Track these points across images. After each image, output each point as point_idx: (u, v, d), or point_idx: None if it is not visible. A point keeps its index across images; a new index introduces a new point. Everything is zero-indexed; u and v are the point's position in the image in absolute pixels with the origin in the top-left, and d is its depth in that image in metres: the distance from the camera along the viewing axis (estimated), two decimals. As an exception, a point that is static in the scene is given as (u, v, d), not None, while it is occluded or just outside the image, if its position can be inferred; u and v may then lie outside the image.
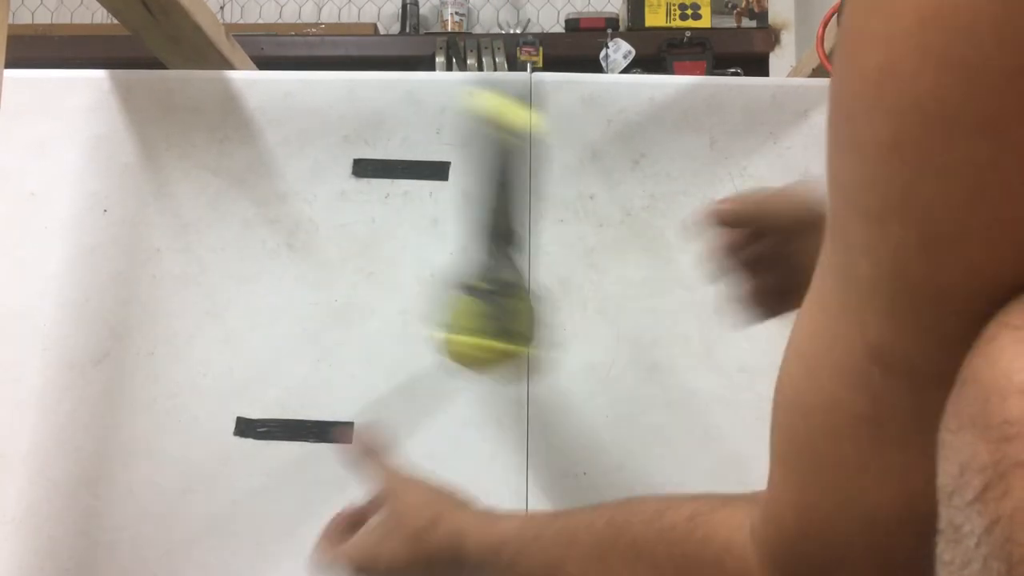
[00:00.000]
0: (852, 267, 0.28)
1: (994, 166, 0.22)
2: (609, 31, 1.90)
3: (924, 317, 0.26)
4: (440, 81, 0.81)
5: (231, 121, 0.79)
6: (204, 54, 0.86)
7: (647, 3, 1.92)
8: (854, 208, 0.27)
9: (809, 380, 0.31)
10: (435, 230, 0.78)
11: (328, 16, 2.16)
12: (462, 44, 1.89)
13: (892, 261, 0.26)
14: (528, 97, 0.80)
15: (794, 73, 0.99)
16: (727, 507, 0.40)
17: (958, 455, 0.23)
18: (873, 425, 0.28)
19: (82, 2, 2.13)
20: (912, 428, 0.27)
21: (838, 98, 0.27)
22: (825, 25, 0.82)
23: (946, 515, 0.23)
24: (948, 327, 0.25)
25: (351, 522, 0.60)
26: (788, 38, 1.92)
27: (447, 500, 0.56)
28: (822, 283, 0.30)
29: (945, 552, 0.23)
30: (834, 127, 0.28)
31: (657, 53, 1.86)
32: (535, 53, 1.87)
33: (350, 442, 0.63)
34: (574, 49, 1.92)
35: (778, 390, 0.33)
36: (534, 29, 2.05)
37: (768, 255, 0.56)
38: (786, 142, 0.79)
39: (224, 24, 0.89)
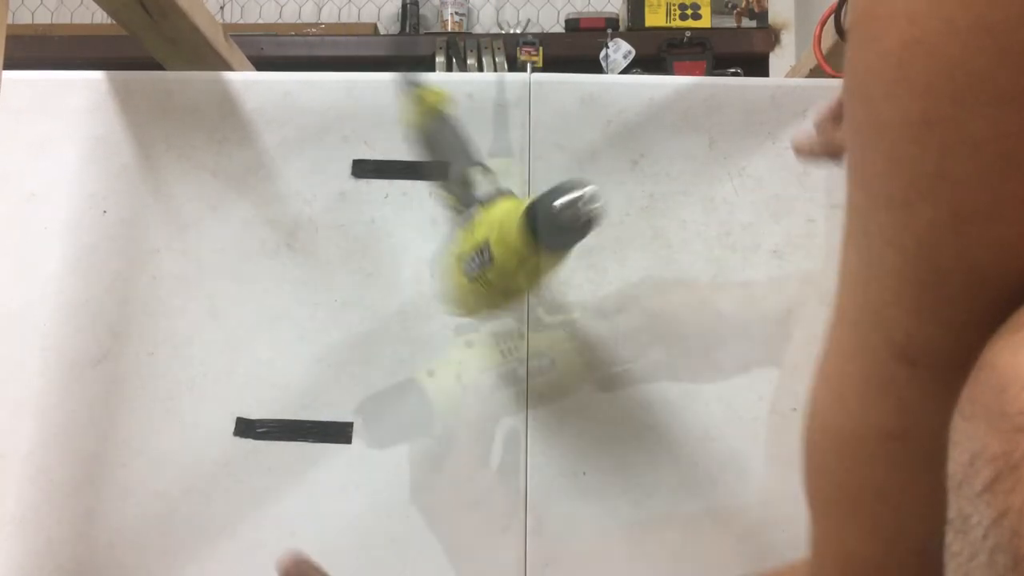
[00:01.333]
0: (874, 262, 0.27)
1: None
2: (609, 31, 1.90)
3: (955, 302, 0.25)
4: (440, 81, 0.81)
5: (230, 122, 0.79)
6: (202, 55, 0.86)
7: (647, 3, 1.92)
8: (876, 196, 0.26)
9: (836, 404, 0.30)
10: (435, 230, 0.78)
11: (328, 16, 2.16)
12: (462, 44, 1.89)
13: (920, 244, 0.25)
14: (528, 97, 0.80)
15: (792, 73, 0.99)
16: None
17: (970, 443, 0.22)
18: (904, 441, 0.28)
19: (82, 2, 2.13)
20: (942, 436, 0.26)
21: (856, 85, 0.27)
22: (822, 25, 0.82)
23: (955, 504, 0.23)
24: (979, 312, 0.24)
25: None
26: (788, 38, 1.92)
27: None
28: (840, 298, 0.30)
29: (954, 542, 0.23)
30: (853, 116, 0.27)
31: (657, 53, 1.87)
32: (535, 53, 1.87)
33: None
34: (574, 49, 1.92)
35: (807, 429, 0.32)
36: (534, 29, 2.05)
37: None
38: (786, 142, 0.79)
39: (224, 24, 0.89)
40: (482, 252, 0.55)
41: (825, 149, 0.54)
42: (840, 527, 0.31)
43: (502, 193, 0.59)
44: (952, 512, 0.23)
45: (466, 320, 0.62)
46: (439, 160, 0.62)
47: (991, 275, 0.24)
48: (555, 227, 0.52)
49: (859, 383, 0.29)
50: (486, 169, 0.61)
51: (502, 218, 0.55)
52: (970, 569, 0.22)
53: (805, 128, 0.55)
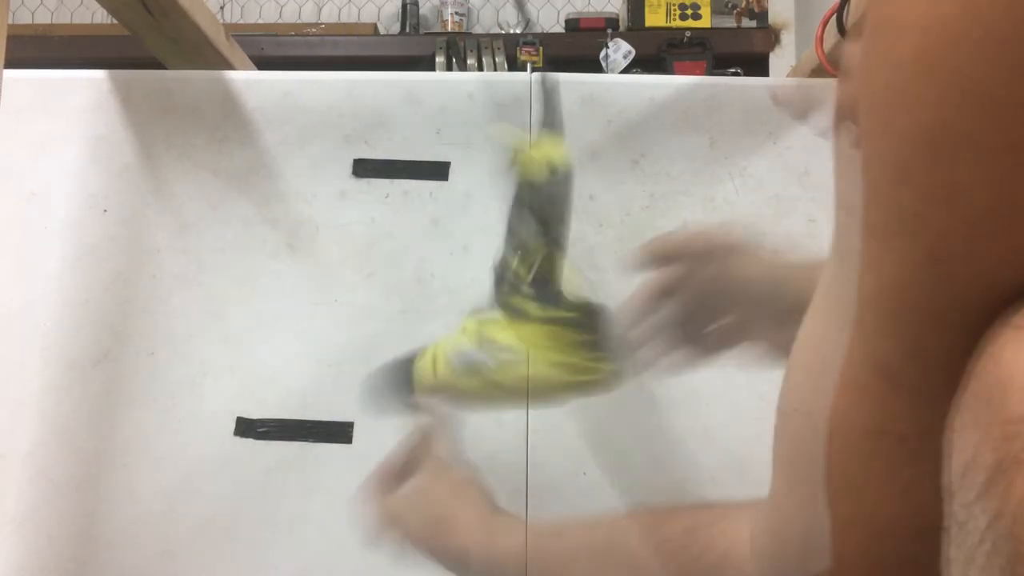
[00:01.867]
0: (858, 284, 0.27)
1: (1008, 186, 0.22)
2: (609, 31, 1.90)
3: (926, 335, 0.25)
4: (440, 81, 0.81)
5: (231, 121, 0.79)
6: (203, 54, 0.86)
7: (647, 3, 1.92)
8: (859, 221, 0.27)
9: (815, 392, 0.31)
10: (435, 230, 0.78)
11: (328, 16, 2.16)
12: (462, 44, 1.89)
13: (895, 278, 0.25)
14: (527, 97, 0.80)
15: (793, 73, 0.99)
16: (725, 519, 0.40)
17: (962, 453, 0.23)
18: (880, 439, 0.28)
19: (82, 2, 2.13)
20: (920, 442, 0.26)
21: (869, 93, 0.27)
22: (824, 25, 0.82)
23: (950, 512, 0.23)
24: (951, 344, 0.25)
25: (395, 476, 0.61)
26: (788, 38, 1.91)
27: (462, 504, 0.56)
28: (828, 294, 0.30)
29: (950, 549, 0.23)
30: (865, 124, 0.27)
31: (657, 53, 1.86)
32: (535, 53, 1.86)
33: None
34: (574, 49, 1.92)
35: (782, 398, 0.33)
36: (534, 29, 2.05)
37: (692, 287, 0.57)
38: (786, 142, 0.79)
39: (224, 24, 0.89)
40: (511, 350, 0.55)
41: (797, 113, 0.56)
42: (804, 494, 0.32)
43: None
44: (948, 520, 0.23)
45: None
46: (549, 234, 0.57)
47: (962, 313, 0.24)
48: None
49: (841, 384, 0.29)
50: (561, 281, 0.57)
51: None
52: (966, 574, 0.22)
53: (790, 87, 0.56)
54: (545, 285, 0.57)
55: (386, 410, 0.62)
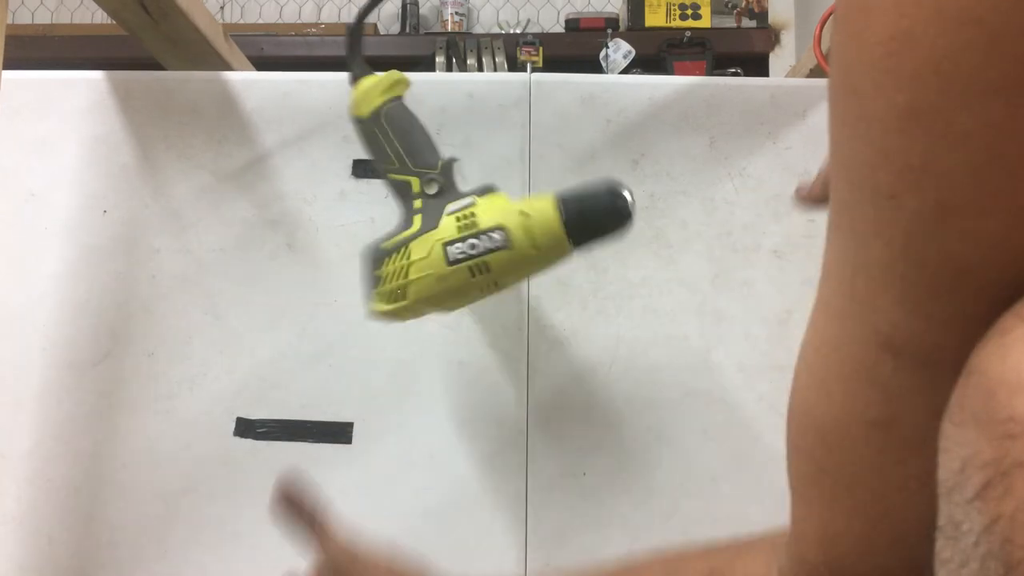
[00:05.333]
0: (860, 254, 0.27)
1: (1011, 129, 0.22)
2: (609, 31, 1.90)
3: (939, 296, 0.25)
4: (440, 81, 0.81)
5: (230, 122, 0.79)
6: (203, 55, 0.86)
7: (647, 3, 1.92)
8: (862, 188, 0.26)
9: (819, 392, 0.30)
10: (435, 230, 0.78)
11: (328, 16, 2.16)
12: (462, 44, 1.89)
13: (906, 237, 0.25)
14: (528, 97, 0.80)
15: (792, 73, 0.99)
16: (745, 556, 0.39)
17: (960, 450, 0.22)
18: (888, 429, 0.27)
19: (82, 2, 2.14)
20: (927, 425, 0.26)
21: (842, 75, 0.26)
22: (822, 25, 0.82)
23: (946, 511, 0.23)
24: (964, 306, 0.24)
25: None
26: (788, 38, 1.92)
27: None
28: (824, 288, 0.30)
29: (944, 550, 0.23)
30: (838, 108, 0.27)
31: (657, 53, 1.87)
32: (535, 53, 1.87)
33: (283, 496, 0.58)
34: (574, 49, 1.92)
35: (790, 411, 0.32)
36: (534, 29, 2.05)
37: None
38: (785, 142, 0.79)
39: (224, 24, 0.89)
40: (491, 236, 0.54)
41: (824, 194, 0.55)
42: (822, 507, 0.31)
43: (491, 188, 0.58)
44: (943, 519, 0.23)
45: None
46: (411, 146, 0.60)
47: (976, 269, 0.24)
48: (602, 221, 0.53)
49: (842, 373, 0.29)
50: (456, 161, 0.60)
51: (524, 208, 0.54)
52: (961, 575, 0.22)
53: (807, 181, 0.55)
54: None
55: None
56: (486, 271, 0.54)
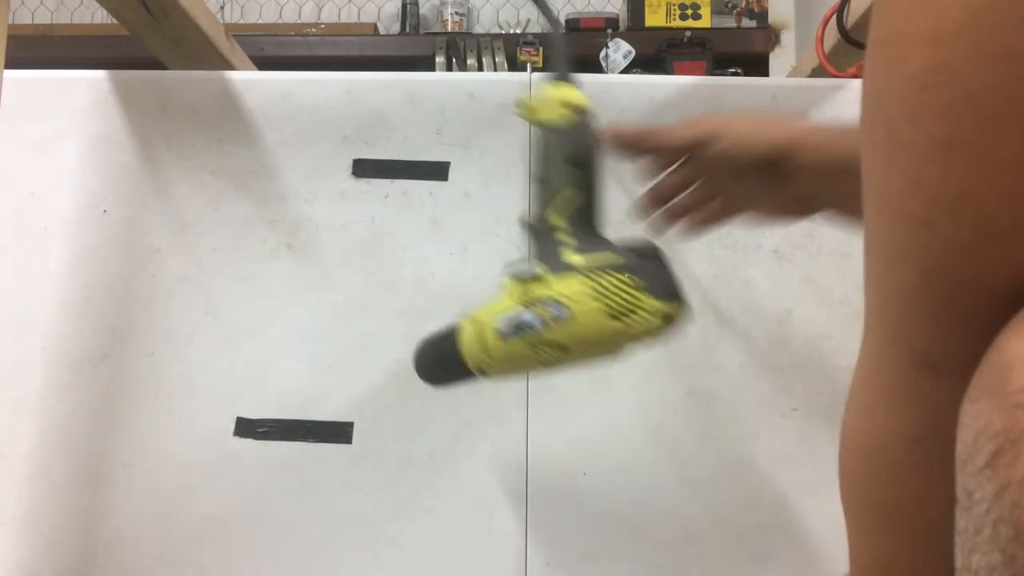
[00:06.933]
0: (891, 276, 0.28)
1: None
2: (609, 31, 1.90)
3: (977, 314, 0.25)
4: (440, 81, 0.81)
5: (231, 121, 0.79)
6: (204, 54, 0.86)
7: (647, 3, 1.92)
8: (894, 215, 0.27)
9: (865, 417, 0.31)
10: (435, 230, 0.78)
11: (328, 16, 2.16)
12: (462, 44, 1.89)
13: (941, 261, 0.25)
14: (528, 97, 0.80)
15: (794, 73, 0.99)
16: None
17: (974, 422, 0.23)
18: (931, 445, 0.28)
19: (82, 2, 2.13)
20: None
21: (876, 105, 0.27)
22: (824, 25, 0.82)
23: (961, 482, 0.23)
24: (1000, 318, 0.25)
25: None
26: (788, 38, 1.92)
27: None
28: (867, 313, 0.30)
29: (960, 520, 0.23)
30: (872, 136, 0.27)
31: (657, 53, 1.86)
32: (535, 53, 1.87)
33: None
34: (574, 49, 1.92)
35: (841, 441, 0.33)
36: (534, 29, 2.05)
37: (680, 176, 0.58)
38: (786, 142, 0.79)
39: (224, 24, 0.89)
40: (558, 306, 0.51)
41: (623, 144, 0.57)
42: (876, 536, 0.31)
43: (599, 270, 0.51)
44: (958, 491, 0.24)
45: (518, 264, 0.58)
46: (588, 187, 0.53)
47: (1013, 287, 0.24)
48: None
49: (884, 394, 0.29)
50: (598, 224, 0.54)
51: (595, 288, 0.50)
52: (976, 543, 0.22)
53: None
54: (586, 232, 0.53)
55: (445, 389, 0.61)
56: (540, 345, 0.53)
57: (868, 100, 0.27)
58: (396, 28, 2.11)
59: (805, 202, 0.53)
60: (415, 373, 0.59)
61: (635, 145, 0.57)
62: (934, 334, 0.27)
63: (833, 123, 0.52)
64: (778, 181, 0.52)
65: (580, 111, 0.55)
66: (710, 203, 0.58)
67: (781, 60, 1.89)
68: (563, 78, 0.57)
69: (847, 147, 0.49)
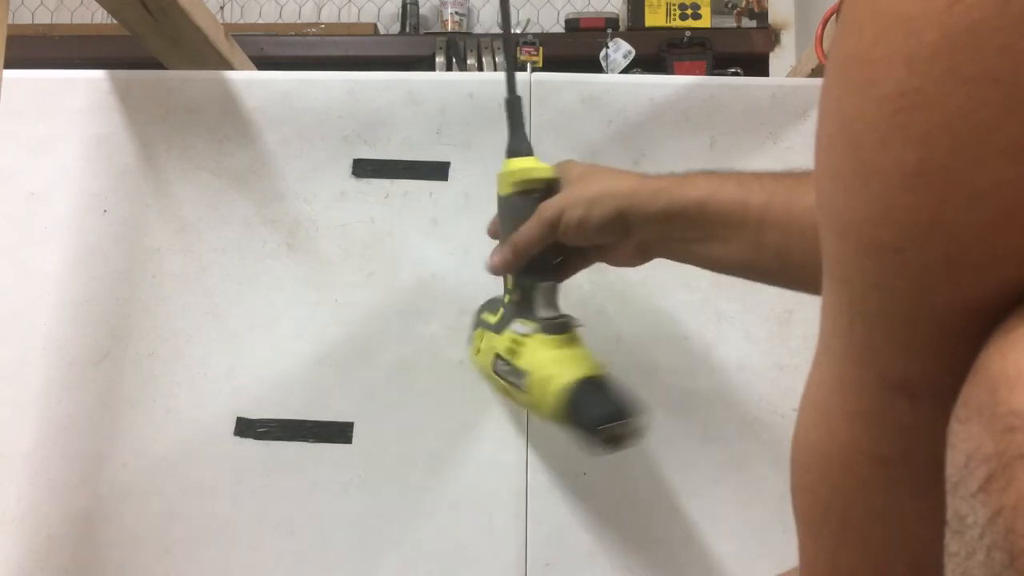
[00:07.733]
0: (857, 303, 0.27)
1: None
2: (609, 31, 1.90)
3: (949, 339, 0.25)
4: (440, 81, 0.81)
5: (231, 121, 0.79)
6: (203, 54, 0.86)
7: (647, 3, 1.92)
8: (861, 242, 0.26)
9: (823, 430, 0.30)
10: (435, 230, 0.78)
11: (328, 16, 2.16)
12: (462, 44, 1.89)
13: (913, 288, 0.25)
14: (528, 97, 0.80)
15: (794, 73, 0.99)
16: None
17: (965, 444, 0.22)
18: (902, 465, 0.27)
19: (82, 2, 2.14)
20: (942, 457, 0.26)
21: (839, 129, 0.26)
22: (824, 24, 0.82)
23: (952, 506, 0.23)
24: (979, 341, 0.24)
25: None
26: (788, 38, 1.92)
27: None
28: (824, 329, 0.30)
29: (951, 543, 0.23)
30: (833, 162, 0.26)
31: (657, 53, 1.87)
32: (535, 53, 1.87)
33: None
34: (574, 49, 1.92)
35: (793, 448, 0.32)
36: (534, 29, 2.05)
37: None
38: (786, 142, 0.79)
39: (224, 24, 0.89)
40: (517, 374, 0.59)
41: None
42: (831, 545, 0.31)
43: (566, 326, 0.60)
44: (949, 513, 0.23)
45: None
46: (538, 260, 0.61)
47: (989, 307, 0.24)
48: (589, 435, 0.54)
49: (846, 412, 0.29)
50: (555, 289, 0.62)
51: (547, 374, 0.57)
52: (968, 568, 0.22)
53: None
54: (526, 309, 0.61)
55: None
56: (515, 392, 0.60)
57: (829, 124, 0.26)
58: (396, 28, 2.11)
59: (643, 249, 0.59)
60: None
61: (515, 265, 0.61)
62: (907, 359, 0.26)
63: (664, 174, 0.58)
64: (623, 232, 0.57)
65: (522, 186, 0.61)
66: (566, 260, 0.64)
67: (781, 60, 1.89)
68: (517, 149, 0.62)
69: (674, 195, 0.55)
